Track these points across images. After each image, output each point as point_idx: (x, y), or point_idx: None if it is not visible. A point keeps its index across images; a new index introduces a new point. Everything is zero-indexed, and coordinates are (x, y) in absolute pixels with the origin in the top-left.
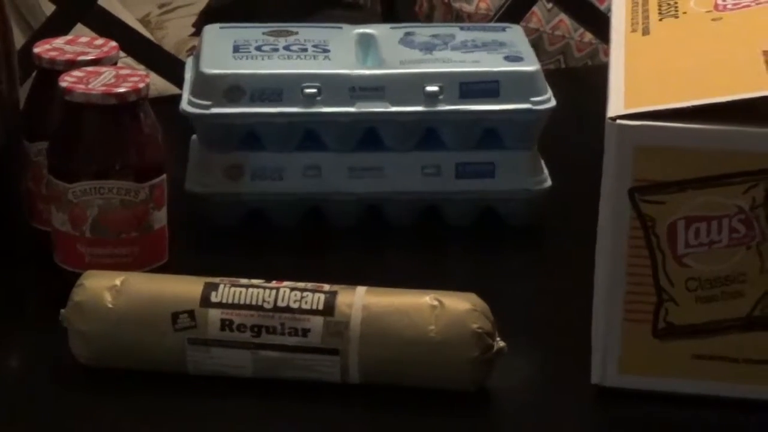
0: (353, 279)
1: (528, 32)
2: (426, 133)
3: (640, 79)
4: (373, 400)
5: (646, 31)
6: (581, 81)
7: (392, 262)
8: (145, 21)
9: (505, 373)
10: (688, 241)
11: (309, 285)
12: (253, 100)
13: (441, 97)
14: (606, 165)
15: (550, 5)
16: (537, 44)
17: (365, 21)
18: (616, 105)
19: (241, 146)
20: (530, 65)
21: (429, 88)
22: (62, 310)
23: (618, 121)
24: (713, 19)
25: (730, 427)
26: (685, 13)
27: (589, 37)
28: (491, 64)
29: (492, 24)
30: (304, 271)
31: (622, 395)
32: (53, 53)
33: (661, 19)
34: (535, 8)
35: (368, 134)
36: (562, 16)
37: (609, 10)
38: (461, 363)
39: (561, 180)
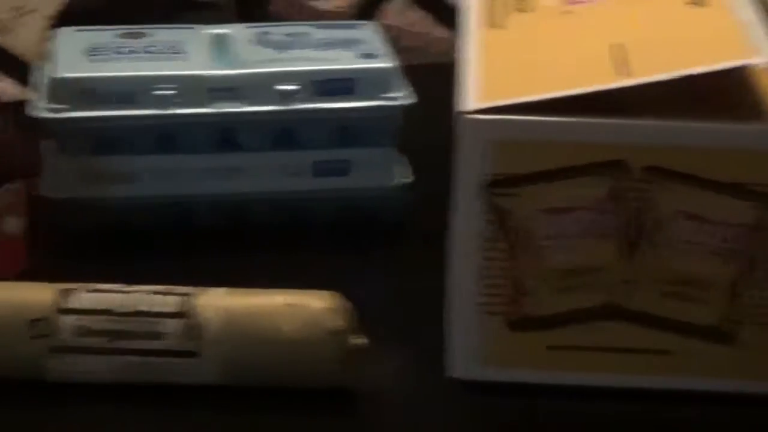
0: (214, 281)
1: (384, 29)
2: (283, 133)
3: (491, 74)
4: (234, 402)
5: (497, 26)
6: (440, 76)
7: (253, 263)
8: None
9: (368, 371)
10: (543, 232)
11: (165, 288)
12: (109, 103)
13: (297, 95)
14: (459, 159)
15: (405, 1)
16: (394, 41)
17: (221, 21)
18: (468, 99)
19: (96, 150)
20: (386, 62)
21: (284, 87)
22: None
23: (469, 116)
24: (564, 13)
25: (589, 416)
26: (537, 7)
27: (445, 32)
28: (346, 61)
29: (347, 22)
30: (164, 275)
31: (482, 388)
32: None
33: (512, 14)
34: (390, 4)
35: (225, 135)
36: (419, 11)
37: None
38: (319, 361)
39: (423, 176)
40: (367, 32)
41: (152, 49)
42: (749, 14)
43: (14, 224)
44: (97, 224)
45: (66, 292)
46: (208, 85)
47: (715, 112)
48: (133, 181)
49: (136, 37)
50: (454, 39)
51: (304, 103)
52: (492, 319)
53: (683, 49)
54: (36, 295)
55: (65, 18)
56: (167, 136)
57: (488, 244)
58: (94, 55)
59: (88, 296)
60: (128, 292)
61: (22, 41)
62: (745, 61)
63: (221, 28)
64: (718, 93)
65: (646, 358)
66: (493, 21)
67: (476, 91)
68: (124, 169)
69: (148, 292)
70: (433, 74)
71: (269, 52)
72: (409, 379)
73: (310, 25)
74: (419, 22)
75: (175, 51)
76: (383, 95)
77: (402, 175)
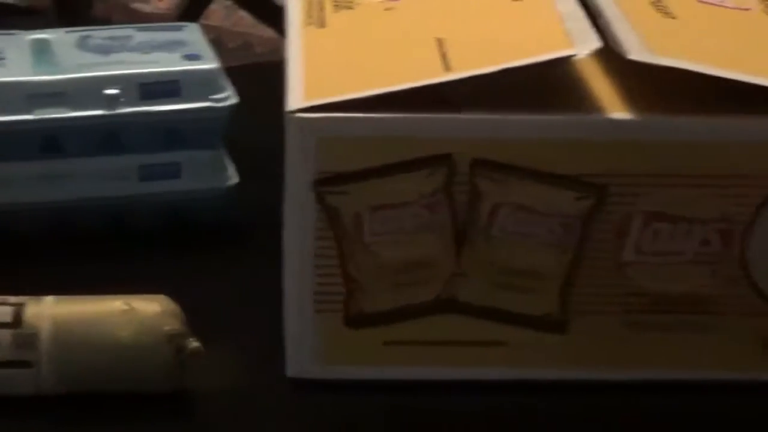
0: (46, 289)
1: (209, 30)
2: (109, 137)
3: (317, 72)
4: (72, 411)
5: (321, 24)
6: (266, 76)
7: (85, 270)
8: None
9: (205, 374)
10: (374, 229)
11: None
12: None
13: (121, 99)
14: (288, 159)
15: (229, 2)
16: (219, 42)
17: (42, 26)
18: (295, 98)
19: None
20: (209, 63)
21: (108, 91)
22: None
23: (297, 114)
24: (386, 9)
25: (425, 410)
26: (359, 4)
27: (270, 32)
28: (170, 63)
29: (169, 24)
30: None
31: (320, 386)
32: None
33: (336, 11)
34: (214, 6)
35: (50, 141)
36: (243, 12)
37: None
38: (156, 366)
39: (252, 177)
40: (191, 34)
41: None
42: (569, 5)
43: None
44: None
45: None
46: (29, 91)
47: (540, 104)
48: None
49: None
50: (280, 39)
51: (129, 107)
52: (328, 317)
53: (504, 42)
54: None
55: None
56: None
57: (320, 243)
58: None
59: None
60: None
61: None
62: (565, 52)
63: (42, 34)
64: (542, 85)
65: (481, 350)
66: (317, 20)
67: (303, 90)
68: None
69: None
70: (261, 74)
71: (92, 57)
72: (246, 380)
73: (133, 28)
74: (244, 22)
75: None
76: (209, 97)
77: (231, 176)
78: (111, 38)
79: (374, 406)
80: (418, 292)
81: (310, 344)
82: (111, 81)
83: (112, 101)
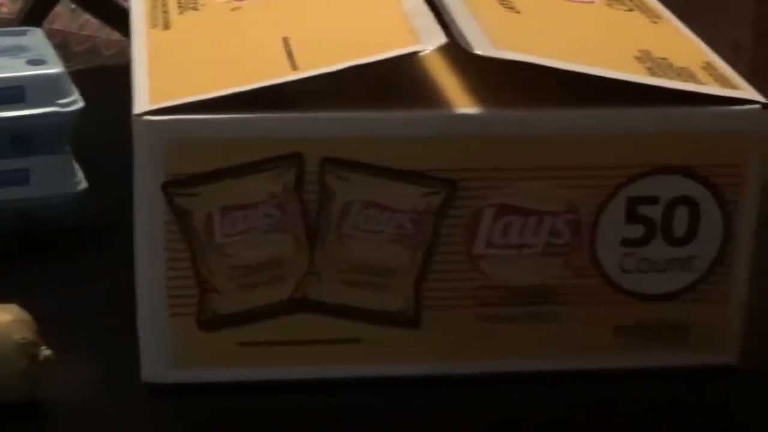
0: None
1: (54, 34)
2: None
3: (164, 74)
4: None
5: (166, 26)
6: (114, 79)
7: None
8: None
9: (59, 383)
10: (225, 230)
11: None
12: None
13: None
14: (137, 162)
15: (73, 5)
16: (65, 45)
17: None
18: (142, 101)
19: None
20: (54, 68)
21: None
22: None
23: (144, 117)
24: (232, 9)
25: (283, 410)
26: (204, 5)
27: (117, 34)
28: (14, 69)
29: (12, 29)
30: None
31: (176, 391)
32: None
33: (181, 13)
34: (59, 9)
35: None
36: (88, 15)
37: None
38: (7, 375)
39: (102, 181)
40: (35, 39)
41: None
42: (414, 1)
43: None
44: None
45: None
46: None
47: (388, 101)
48: None
49: None
50: (127, 41)
51: None
52: (181, 320)
53: (351, 40)
54: None
55: None
56: None
57: (172, 245)
58: None
59: None
60: None
61: None
62: (411, 48)
63: None
64: (390, 82)
65: (337, 348)
66: (162, 21)
67: (149, 93)
68: None
69: None
70: (109, 77)
71: None
72: (101, 387)
73: None
74: (90, 25)
75: None
76: (55, 101)
77: (80, 181)
78: None
79: (230, 408)
80: (272, 292)
81: (164, 348)
82: None
83: None
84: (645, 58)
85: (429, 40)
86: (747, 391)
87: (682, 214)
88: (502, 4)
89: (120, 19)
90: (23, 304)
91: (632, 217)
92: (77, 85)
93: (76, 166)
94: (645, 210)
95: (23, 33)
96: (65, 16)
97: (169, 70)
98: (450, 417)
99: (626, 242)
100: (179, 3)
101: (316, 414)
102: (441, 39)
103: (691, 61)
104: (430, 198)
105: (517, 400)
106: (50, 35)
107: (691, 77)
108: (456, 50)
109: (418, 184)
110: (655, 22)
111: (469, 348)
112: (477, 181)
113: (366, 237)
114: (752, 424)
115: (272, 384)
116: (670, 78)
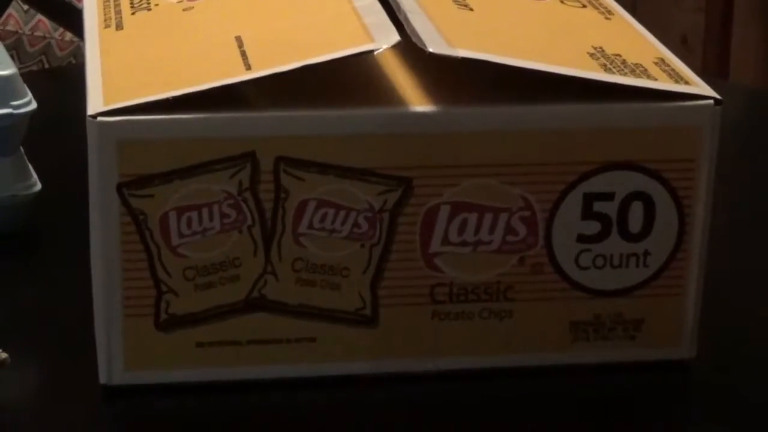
0: None
1: (6, 35)
2: None
3: (117, 75)
4: None
5: (119, 26)
6: (67, 80)
7: None
8: None
9: (14, 386)
10: (180, 231)
11: None
12: None
13: None
14: (91, 163)
15: (27, 6)
16: (17, 46)
17: None
18: (95, 102)
19: None
20: (5, 69)
21: None
22: None
23: (98, 119)
24: (185, 9)
25: (241, 412)
26: (157, 5)
27: (70, 35)
28: None
29: None
30: None
31: (133, 392)
32: None
33: (133, 13)
34: (11, 10)
35: None
36: (41, 16)
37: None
38: None
39: (56, 183)
40: None
41: None
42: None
43: None
44: None
45: None
46: None
47: (342, 100)
48: None
49: None
50: (78, 41)
51: None
52: (138, 321)
53: (304, 39)
54: None
55: None
56: None
57: (127, 246)
58: None
59: None
60: None
61: None
62: (365, 47)
63: None
64: (344, 81)
65: (293, 347)
66: (114, 22)
67: (102, 94)
68: None
69: None
70: (62, 78)
71: None
72: (57, 390)
73: None
74: (43, 26)
75: None
76: (8, 103)
77: (34, 183)
78: None
79: (187, 409)
80: (229, 292)
81: (121, 350)
82: None
83: None
84: (599, 54)
85: (383, 39)
86: (701, 386)
87: (637, 210)
88: (455, 1)
89: (73, 20)
90: None
91: (588, 214)
92: (30, 87)
93: (30, 168)
94: (600, 206)
95: None
96: (18, 17)
97: (122, 71)
98: (408, 415)
99: (582, 238)
100: (132, 3)
101: (275, 413)
102: (395, 37)
103: (645, 57)
104: (385, 196)
105: (474, 396)
106: (3, 36)
107: (644, 73)
108: (410, 48)
109: (373, 182)
110: (608, 18)
111: (426, 345)
112: (431, 178)
113: (321, 236)
114: (706, 418)
115: (230, 384)
116: (624, 74)
